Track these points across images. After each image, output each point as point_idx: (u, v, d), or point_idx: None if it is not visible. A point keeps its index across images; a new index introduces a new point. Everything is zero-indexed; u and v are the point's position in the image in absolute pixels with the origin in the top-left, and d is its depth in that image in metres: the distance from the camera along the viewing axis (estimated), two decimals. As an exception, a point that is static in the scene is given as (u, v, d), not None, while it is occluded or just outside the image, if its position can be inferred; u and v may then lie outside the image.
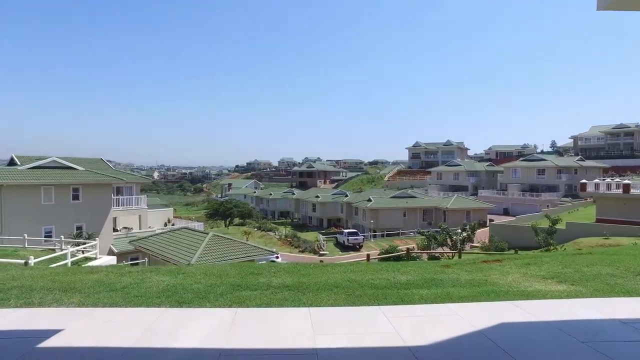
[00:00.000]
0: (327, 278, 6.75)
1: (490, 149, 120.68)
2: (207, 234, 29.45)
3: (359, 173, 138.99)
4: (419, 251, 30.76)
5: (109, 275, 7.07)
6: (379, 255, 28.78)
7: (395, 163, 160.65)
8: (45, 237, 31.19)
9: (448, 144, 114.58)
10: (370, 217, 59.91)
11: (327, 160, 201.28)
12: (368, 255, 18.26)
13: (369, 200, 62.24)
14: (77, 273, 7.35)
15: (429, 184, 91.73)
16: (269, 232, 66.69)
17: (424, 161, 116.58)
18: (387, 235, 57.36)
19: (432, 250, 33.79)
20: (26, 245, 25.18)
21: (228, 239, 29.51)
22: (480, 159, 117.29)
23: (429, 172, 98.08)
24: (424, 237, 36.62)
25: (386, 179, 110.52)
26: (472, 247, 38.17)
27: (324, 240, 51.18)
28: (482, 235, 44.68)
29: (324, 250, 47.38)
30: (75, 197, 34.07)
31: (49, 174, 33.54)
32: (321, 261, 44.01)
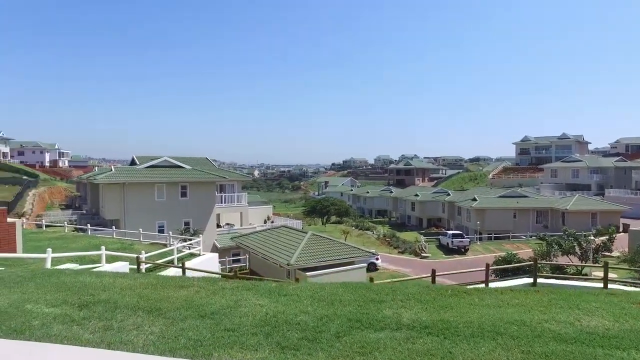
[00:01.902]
0: (478, 315, 4.84)
1: (617, 141, 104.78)
2: (306, 233, 28.70)
3: (459, 170, 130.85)
4: (544, 261, 26.66)
5: (199, 292, 5.95)
6: (494, 264, 25.54)
7: (499, 159, 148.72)
8: (158, 231, 33.05)
9: (564, 137, 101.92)
10: (476, 217, 55.16)
11: (425, 158, 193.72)
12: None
13: (474, 199, 57.39)
14: (166, 287, 6.39)
15: (541, 183, 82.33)
16: (366, 231, 65.07)
17: (533, 157, 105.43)
18: (495, 238, 52.24)
19: (553, 260, 29.29)
20: (141, 239, 26.61)
21: (327, 238, 28.44)
22: (604, 153, 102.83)
23: (541, 169, 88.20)
24: (541, 242, 31.88)
25: (490, 176, 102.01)
26: (604, 256, 32.36)
27: (425, 242, 48.05)
28: (617, 243, 38.08)
29: (425, 253, 44.39)
30: (183, 195, 35.71)
31: (162, 173, 35.60)
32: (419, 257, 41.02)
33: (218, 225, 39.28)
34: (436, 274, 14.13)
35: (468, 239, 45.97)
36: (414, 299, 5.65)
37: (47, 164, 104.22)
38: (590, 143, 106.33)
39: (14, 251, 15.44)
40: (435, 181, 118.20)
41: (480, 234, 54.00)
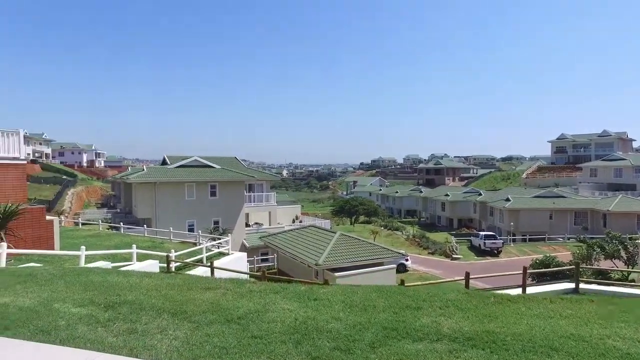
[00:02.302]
0: (527, 326, 4.39)
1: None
2: (335, 233, 28.37)
3: (491, 170, 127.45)
4: (585, 266, 25.37)
5: (226, 295, 5.72)
6: (531, 267, 24.48)
7: (532, 159, 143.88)
8: (188, 230, 33.47)
9: (605, 134, 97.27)
10: (509, 218, 53.40)
11: (455, 157, 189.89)
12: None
13: (507, 199, 55.59)
14: (192, 288, 6.20)
15: (579, 182, 78.89)
16: (395, 232, 64.22)
17: (570, 155, 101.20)
18: (530, 239, 50.38)
19: (594, 264, 27.86)
20: (171, 238, 26.97)
21: (356, 238, 28.03)
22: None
23: (579, 169, 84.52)
24: (581, 244, 30.34)
25: (524, 176, 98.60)
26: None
27: (456, 243, 46.85)
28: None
29: (456, 254, 43.25)
30: (213, 194, 36.04)
31: (191, 172, 36.06)
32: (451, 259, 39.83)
33: (247, 225, 39.49)
34: (470, 276, 13.52)
35: (501, 241, 44.50)
36: (454, 305, 5.24)
37: (85, 164, 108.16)
38: (634, 140, 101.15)
39: (52, 248, 15.83)
40: (466, 181, 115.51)
41: (513, 235, 52.21)
